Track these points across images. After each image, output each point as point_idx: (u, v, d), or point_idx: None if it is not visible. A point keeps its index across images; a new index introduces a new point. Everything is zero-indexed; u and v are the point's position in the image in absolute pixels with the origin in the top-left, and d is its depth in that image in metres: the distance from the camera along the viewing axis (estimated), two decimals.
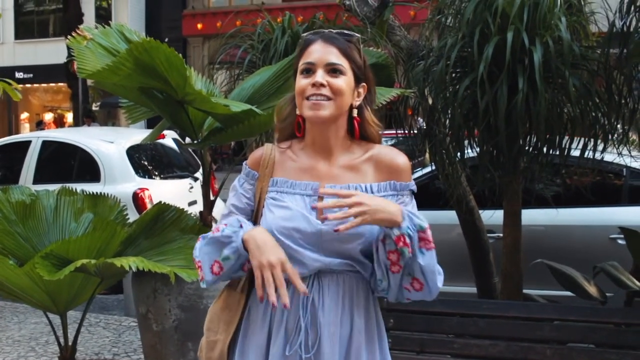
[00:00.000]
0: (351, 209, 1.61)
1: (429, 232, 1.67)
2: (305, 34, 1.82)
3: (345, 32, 1.81)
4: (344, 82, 1.73)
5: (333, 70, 1.72)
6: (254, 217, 1.83)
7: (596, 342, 2.65)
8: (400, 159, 1.79)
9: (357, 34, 1.80)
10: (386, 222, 1.64)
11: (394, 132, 4.00)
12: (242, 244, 1.69)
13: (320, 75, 1.71)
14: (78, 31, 3.18)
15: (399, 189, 1.77)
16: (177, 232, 3.45)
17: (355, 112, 1.78)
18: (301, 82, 1.74)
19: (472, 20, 3.14)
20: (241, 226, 1.74)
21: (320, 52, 1.74)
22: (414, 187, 1.80)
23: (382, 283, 1.72)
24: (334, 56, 1.73)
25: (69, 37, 3.13)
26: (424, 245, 1.66)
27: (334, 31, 1.80)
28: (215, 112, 3.10)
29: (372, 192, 1.75)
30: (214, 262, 1.73)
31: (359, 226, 1.64)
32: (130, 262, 2.84)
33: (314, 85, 1.71)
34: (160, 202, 3.57)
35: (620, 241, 4.23)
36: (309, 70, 1.73)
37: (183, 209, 3.58)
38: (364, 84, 1.79)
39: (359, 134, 1.79)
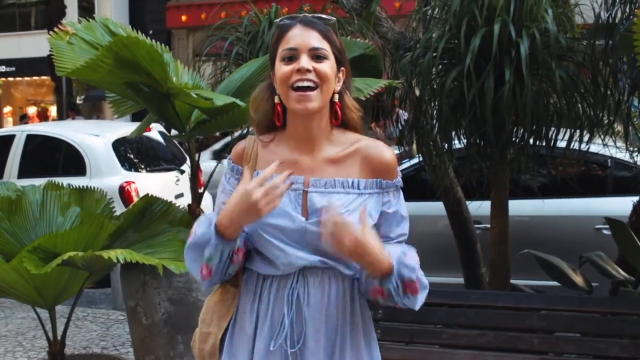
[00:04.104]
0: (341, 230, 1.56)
1: (417, 283, 1.65)
2: (280, 20, 1.73)
3: (323, 16, 1.75)
4: (329, 67, 1.67)
5: (317, 56, 1.66)
6: None
7: (583, 331, 2.68)
8: (388, 154, 1.74)
9: (334, 18, 1.74)
10: (368, 267, 1.62)
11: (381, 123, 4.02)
12: (217, 236, 1.63)
13: (305, 61, 1.64)
14: (60, 26, 3.11)
15: (384, 187, 1.73)
16: (165, 224, 3.42)
17: (336, 97, 1.72)
18: (284, 69, 1.66)
19: (459, 12, 3.15)
20: (211, 222, 1.68)
21: (301, 36, 1.66)
22: (401, 183, 1.77)
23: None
24: (316, 40, 1.66)
25: (50, 33, 3.06)
26: (410, 291, 1.65)
27: (310, 15, 1.73)
28: (198, 105, 3.09)
29: (359, 188, 1.71)
30: (201, 267, 1.68)
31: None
32: (118, 254, 2.82)
33: (299, 71, 1.64)
34: (148, 194, 3.55)
35: (605, 231, 4.26)
36: (292, 58, 1.66)
37: (171, 201, 3.56)
38: (343, 68, 1.74)
39: (341, 118, 1.74)
